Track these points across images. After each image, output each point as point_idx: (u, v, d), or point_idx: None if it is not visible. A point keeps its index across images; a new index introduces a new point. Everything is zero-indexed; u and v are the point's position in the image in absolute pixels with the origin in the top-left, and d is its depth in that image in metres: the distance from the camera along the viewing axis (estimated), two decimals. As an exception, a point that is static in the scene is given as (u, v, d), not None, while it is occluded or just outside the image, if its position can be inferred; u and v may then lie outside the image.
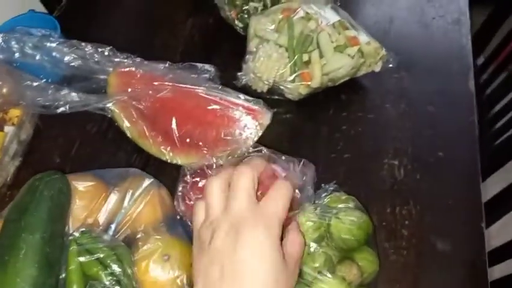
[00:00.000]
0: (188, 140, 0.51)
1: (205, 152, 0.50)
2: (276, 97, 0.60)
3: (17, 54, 0.50)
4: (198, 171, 0.46)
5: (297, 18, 0.57)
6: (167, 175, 0.53)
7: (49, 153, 0.57)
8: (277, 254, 0.31)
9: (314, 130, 0.58)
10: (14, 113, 0.56)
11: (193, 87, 0.52)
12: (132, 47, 0.58)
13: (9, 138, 0.52)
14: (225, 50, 0.69)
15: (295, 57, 0.55)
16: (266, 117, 0.51)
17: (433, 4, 0.71)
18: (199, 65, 0.57)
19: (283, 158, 0.46)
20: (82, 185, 0.44)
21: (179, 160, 0.51)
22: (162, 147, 0.51)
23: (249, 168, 0.34)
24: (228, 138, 0.50)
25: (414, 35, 0.67)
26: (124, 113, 0.52)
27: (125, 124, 0.52)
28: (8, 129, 0.53)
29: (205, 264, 0.32)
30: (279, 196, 0.34)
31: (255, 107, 0.51)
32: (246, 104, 0.51)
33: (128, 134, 0.53)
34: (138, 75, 0.53)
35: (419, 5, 0.71)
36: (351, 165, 0.54)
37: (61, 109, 0.52)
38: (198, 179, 0.46)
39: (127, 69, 0.53)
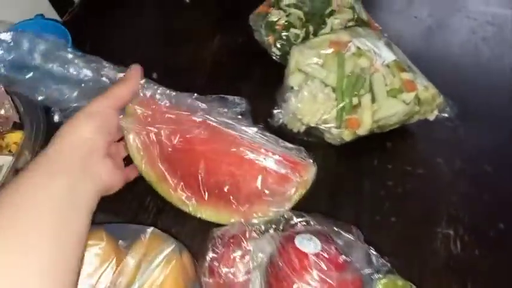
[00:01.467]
0: (217, 192, 0.43)
1: (234, 207, 0.43)
2: (313, 139, 0.52)
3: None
4: (231, 239, 0.39)
5: (348, 54, 0.49)
6: (186, 226, 0.46)
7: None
8: None
9: (356, 183, 0.51)
10: (12, 138, 0.48)
11: (225, 129, 0.44)
12: (151, 64, 0.49)
13: (5, 173, 0.44)
14: (256, 76, 0.61)
15: (345, 102, 0.48)
16: (310, 172, 0.43)
17: (487, 42, 0.64)
18: (230, 97, 0.49)
19: (334, 229, 0.39)
20: (89, 247, 0.36)
21: (203, 214, 0.44)
22: (185, 196, 0.44)
23: None
24: (265, 195, 0.42)
25: (470, 78, 0.60)
26: (142, 152, 0.44)
27: (143, 165, 0.45)
28: (4, 160, 0.45)
29: None
30: None
31: (298, 160, 0.43)
32: (288, 153, 0.44)
33: (145, 176, 0.45)
34: (162, 109, 0.45)
35: (473, 43, 0.64)
36: (399, 231, 0.47)
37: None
38: (230, 247, 0.38)
39: (149, 102, 0.45)
